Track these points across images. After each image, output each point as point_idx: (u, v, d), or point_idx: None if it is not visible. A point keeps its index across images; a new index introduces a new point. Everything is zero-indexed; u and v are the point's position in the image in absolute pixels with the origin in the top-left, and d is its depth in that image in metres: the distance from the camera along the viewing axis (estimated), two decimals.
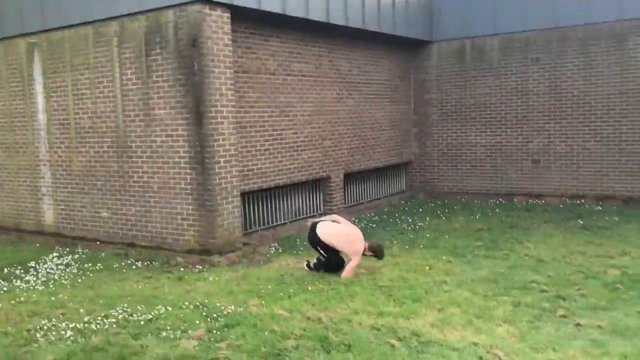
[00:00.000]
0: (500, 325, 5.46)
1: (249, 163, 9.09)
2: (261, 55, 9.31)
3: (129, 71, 8.57)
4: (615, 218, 10.43)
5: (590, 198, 11.86)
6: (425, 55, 13.45)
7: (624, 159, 11.52)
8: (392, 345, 5.02)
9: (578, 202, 11.89)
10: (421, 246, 8.86)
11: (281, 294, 6.60)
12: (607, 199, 11.70)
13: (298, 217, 10.47)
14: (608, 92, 11.53)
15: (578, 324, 5.42)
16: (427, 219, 11.14)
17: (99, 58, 8.88)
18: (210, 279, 7.34)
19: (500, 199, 12.72)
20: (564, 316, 5.66)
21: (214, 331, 5.49)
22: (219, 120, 8.01)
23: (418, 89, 13.64)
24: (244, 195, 9.16)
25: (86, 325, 5.76)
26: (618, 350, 4.80)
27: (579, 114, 11.87)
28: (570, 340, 5.07)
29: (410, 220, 11.05)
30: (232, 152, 8.24)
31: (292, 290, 6.71)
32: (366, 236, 7.84)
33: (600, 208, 11.40)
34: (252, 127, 9.16)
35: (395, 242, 9.16)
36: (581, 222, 10.19)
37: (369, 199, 12.53)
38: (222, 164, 8.05)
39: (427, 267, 7.52)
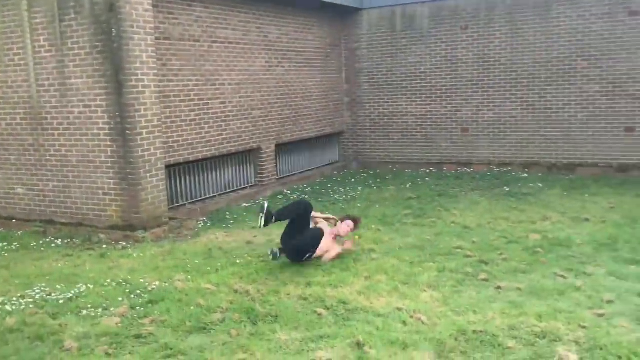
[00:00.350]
0: (425, 290, 5.54)
1: (174, 134, 8.79)
2: (184, 21, 8.94)
3: (41, 38, 8.04)
4: (540, 184, 10.77)
5: (517, 165, 12.21)
6: (356, 23, 13.34)
7: (548, 126, 11.87)
8: (319, 314, 5.03)
9: (505, 169, 12.22)
10: None
11: (208, 268, 6.48)
12: (532, 166, 12.07)
13: (228, 190, 10.27)
14: (534, 60, 11.80)
15: (498, 287, 5.56)
16: (359, 189, 11.18)
17: (7, 23, 8.29)
18: (135, 255, 7.10)
19: (431, 168, 12.91)
20: (485, 280, 5.79)
21: (138, 307, 5.34)
22: (140, 89, 7.66)
23: (349, 58, 13.55)
24: (170, 168, 8.88)
25: (0, 306, 5.47)
26: (534, 310, 4.95)
27: (506, 82, 12.11)
28: (490, 302, 5.20)
29: (342, 190, 11.06)
30: (155, 122, 7.92)
31: (219, 264, 6.59)
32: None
33: (526, 175, 11.75)
34: (177, 96, 8.83)
35: (327, 212, 9.12)
36: (507, 189, 10.47)
37: (301, 170, 12.45)
38: (144, 135, 7.73)
39: (357, 237, 7.54)
